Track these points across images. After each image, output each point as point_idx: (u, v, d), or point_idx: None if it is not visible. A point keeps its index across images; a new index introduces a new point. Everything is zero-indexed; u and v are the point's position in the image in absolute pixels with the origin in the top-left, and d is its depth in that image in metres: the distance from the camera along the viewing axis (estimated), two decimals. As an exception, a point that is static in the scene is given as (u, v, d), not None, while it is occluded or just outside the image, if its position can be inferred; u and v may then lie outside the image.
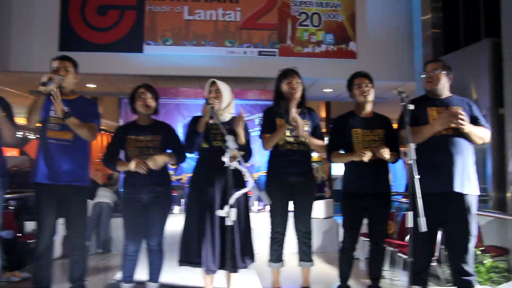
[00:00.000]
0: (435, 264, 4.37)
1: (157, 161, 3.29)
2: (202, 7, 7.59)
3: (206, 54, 7.52)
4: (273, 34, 7.68)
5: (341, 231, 3.94)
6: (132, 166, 3.27)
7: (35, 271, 3.43)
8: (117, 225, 6.24)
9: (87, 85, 7.74)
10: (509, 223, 5.33)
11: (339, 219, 6.97)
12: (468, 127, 3.15)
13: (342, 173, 3.66)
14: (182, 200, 7.54)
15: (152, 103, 3.49)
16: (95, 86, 8.35)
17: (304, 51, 7.68)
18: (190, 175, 3.58)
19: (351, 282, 3.63)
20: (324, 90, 8.88)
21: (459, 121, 3.08)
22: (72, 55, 3.55)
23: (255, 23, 7.67)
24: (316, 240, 5.64)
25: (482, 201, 6.33)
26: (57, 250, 6.29)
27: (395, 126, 3.56)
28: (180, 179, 8.37)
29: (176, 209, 7.37)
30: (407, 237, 3.77)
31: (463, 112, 3.12)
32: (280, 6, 7.69)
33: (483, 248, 4.22)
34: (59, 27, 7.29)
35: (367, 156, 3.26)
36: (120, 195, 7.03)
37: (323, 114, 10.72)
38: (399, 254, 4.83)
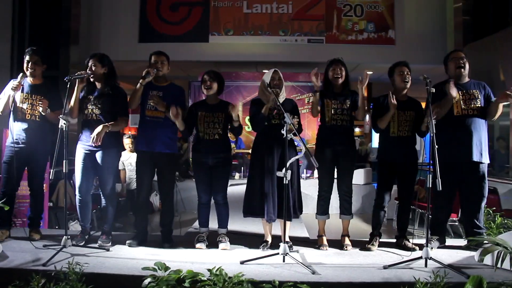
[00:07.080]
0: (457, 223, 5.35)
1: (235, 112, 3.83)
2: (259, 1, 8.68)
3: (262, 42, 8.65)
4: (320, 24, 8.67)
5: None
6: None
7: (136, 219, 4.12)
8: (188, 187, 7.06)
9: (160, 70, 9.04)
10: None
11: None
12: None
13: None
14: (242, 168, 8.82)
15: (213, 86, 3.90)
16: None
17: (348, 39, 8.63)
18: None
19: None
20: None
21: None
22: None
23: (304, 14, 8.69)
24: (356, 203, 6.30)
25: (506, 172, 7.33)
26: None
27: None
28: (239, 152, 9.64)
29: (237, 175, 8.68)
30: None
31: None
32: (327, -1, 8.65)
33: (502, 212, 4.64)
34: (139, 22, 8.61)
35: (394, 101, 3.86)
36: (189, 163, 8.31)
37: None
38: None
